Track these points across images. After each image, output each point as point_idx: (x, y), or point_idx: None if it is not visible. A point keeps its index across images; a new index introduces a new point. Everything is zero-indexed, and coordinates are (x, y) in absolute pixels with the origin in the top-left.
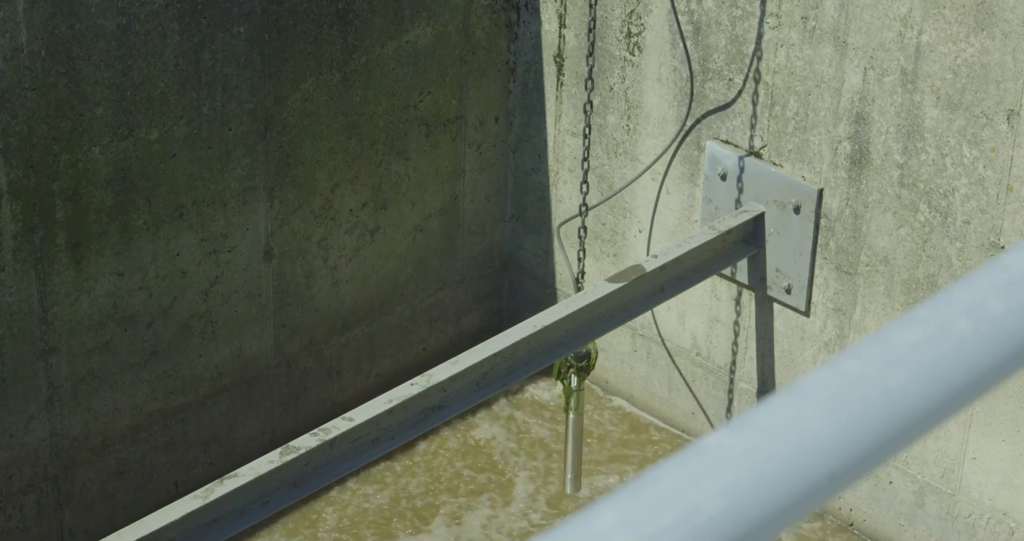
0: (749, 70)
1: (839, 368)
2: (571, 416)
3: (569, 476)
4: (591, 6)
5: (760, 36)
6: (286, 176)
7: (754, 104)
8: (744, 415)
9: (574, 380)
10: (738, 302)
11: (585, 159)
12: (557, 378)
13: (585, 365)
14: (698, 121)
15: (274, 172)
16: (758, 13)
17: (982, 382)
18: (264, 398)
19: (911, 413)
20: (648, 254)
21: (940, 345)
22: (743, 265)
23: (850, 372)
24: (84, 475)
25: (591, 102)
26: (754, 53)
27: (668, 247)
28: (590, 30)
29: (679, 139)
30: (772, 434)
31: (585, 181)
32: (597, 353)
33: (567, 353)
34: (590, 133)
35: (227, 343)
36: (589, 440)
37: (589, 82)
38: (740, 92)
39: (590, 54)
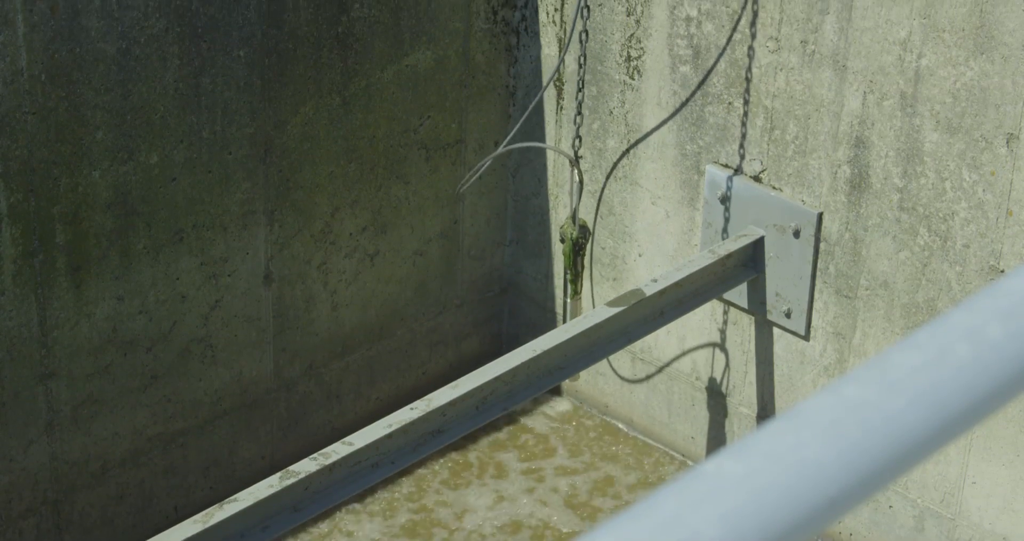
0: (749, 94)
1: (839, 393)
2: (571, 303)
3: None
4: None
5: (760, 60)
6: (286, 200)
7: (754, 128)
8: (743, 440)
9: (579, 263)
10: (738, 326)
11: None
12: (570, 265)
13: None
14: (698, 145)
15: (274, 196)
16: (758, 37)
17: (982, 407)
18: (264, 422)
19: (911, 439)
20: (648, 278)
21: (939, 370)
22: (743, 289)
23: (850, 397)
24: (84, 499)
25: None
26: (754, 77)
27: (668, 271)
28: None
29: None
30: (772, 460)
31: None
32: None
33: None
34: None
35: (227, 367)
36: (597, 460)
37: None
38: (740, 116)
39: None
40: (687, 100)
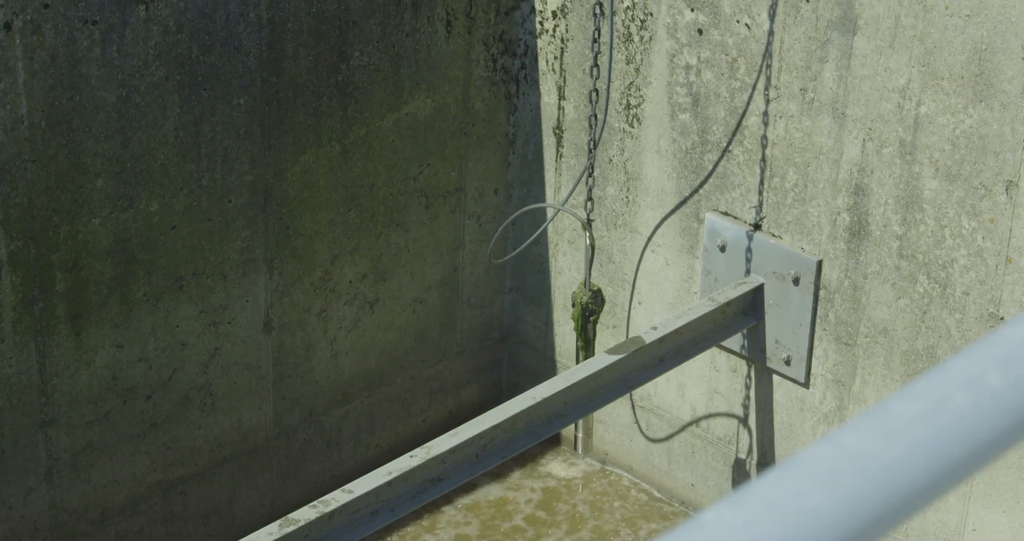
0: (748, 142)
1: (838, 442)
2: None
3: (580, 435)
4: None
5: (759, 108)
6: (286, 248)
7: (753, 176)
8: (743, 489)
9: (590, 330)
10: (738, 374)
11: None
12: (580, 330)
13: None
14: (697, 193)
15: (274, 244)
16: (757, 85)
17: (981, 456)
18: (263, 470)
19: (910, 487)
20: (648, 326)
21: (939, 419)
22: (742, 337)
23: (849, 446)
24: None
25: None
26: (753, 125)
27: (668, 319)
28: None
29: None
30: (771, 508)
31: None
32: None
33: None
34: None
35: (226, 415)
36: (597, 509)
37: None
38: (739, 164)
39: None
40: (686, 148)
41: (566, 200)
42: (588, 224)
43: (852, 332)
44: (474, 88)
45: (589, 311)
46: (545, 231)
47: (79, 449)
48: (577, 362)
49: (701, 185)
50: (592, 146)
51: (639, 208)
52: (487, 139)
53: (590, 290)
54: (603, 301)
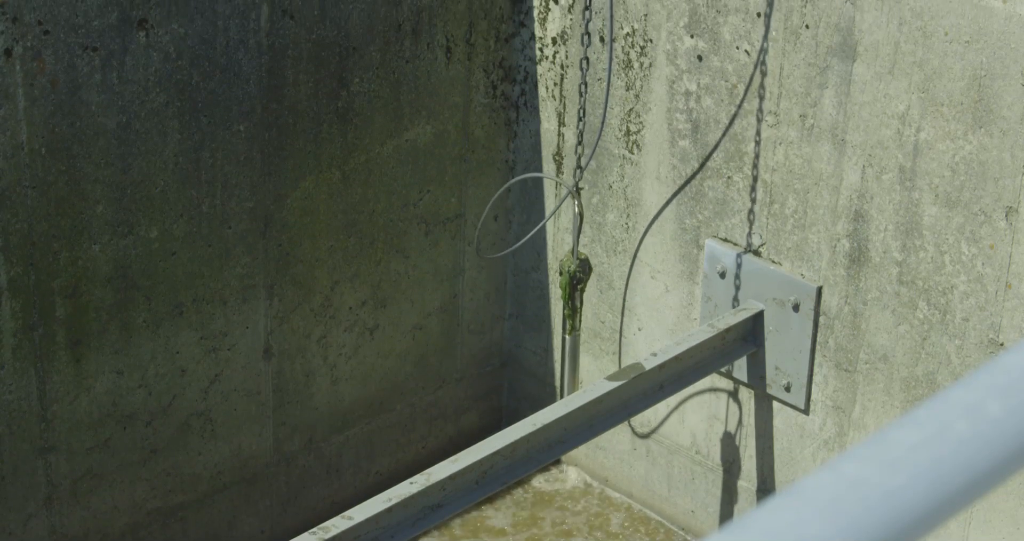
0: (748, 168)
1: (838, 471)
2: (569, 338)
3: (565, 376)
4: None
5: (759, 134)
6: (286, 274)
7: (753, 202)
8: (743, 518)
9: (577, 298)
10: (737, 400)
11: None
12: (567, 299)
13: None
14: (697, 219)
15: (274, 270)
16: (756, 111)
17: (981, 484)
18: (263, 496)
19: (910, 515)
20: (647, 352)
21: (939, 447)
22: (742, 363)
23: (849, 474)
24: None
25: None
26: (753, 151)
27: (667, 345)
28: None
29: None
30: (772, 537)
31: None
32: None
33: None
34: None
35: (226, 441)
36: (596, 534)
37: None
38: (739, 190)
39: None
40: (686, 174)
41: (555, 209)
42: (577, 191)
43: (852, 358)
44: (474, 114)
45: (576, 279)
46: (544, 257)
47: (79, 475)
48: (564, 330)
49: (701, 211)
50: (582, 114)
51: (639, 234)
52: (487, 165)
53: (578, 259)
54: (591, 269)
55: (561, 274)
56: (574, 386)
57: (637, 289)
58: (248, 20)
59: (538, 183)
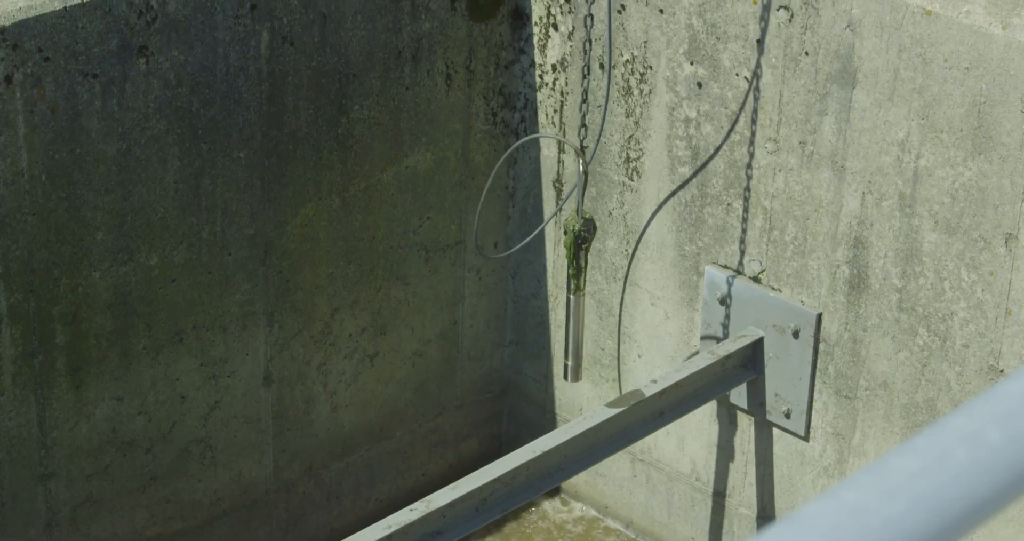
0: (747, 195)
1: (838, 498)
2: (573, 299)
3: (570, 364)
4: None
5: (758, 161)
6: (286, 301)
7: (753, 229)
8: None
9: (582, 258)
10: (737, 427)
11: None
12: (572, 258)
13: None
14: (696, 246)
15: (274, 297)
16: (756, 138)
17: (981, 512)
18: (263, 523)
19: None
20: (647, 379)
21: (939, 475)
22: (742, 390)
23: (849, 502)
24: None
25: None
26: (753, 178)
27: (667, 372)
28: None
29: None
30: None
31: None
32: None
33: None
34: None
35: (226, 468)
36: None
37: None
38: (739, 217)
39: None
40: (686, 201)
41: (554, 213)
42: (582, 150)
43: (852, 385)
44: (474, 141)
45: (581, 239)
46: (545, 284)
47: (79, 502)
48: (569, 291)
49: (701, 238)
50: (587, 71)
51: (639, 261)
52: (487, 192)
53: (582, 218)
54: (595, 229)
55: (566, 233)
56: (579, 350)
57: (637, 316)
58: (248, 47)
59: (538, 210)
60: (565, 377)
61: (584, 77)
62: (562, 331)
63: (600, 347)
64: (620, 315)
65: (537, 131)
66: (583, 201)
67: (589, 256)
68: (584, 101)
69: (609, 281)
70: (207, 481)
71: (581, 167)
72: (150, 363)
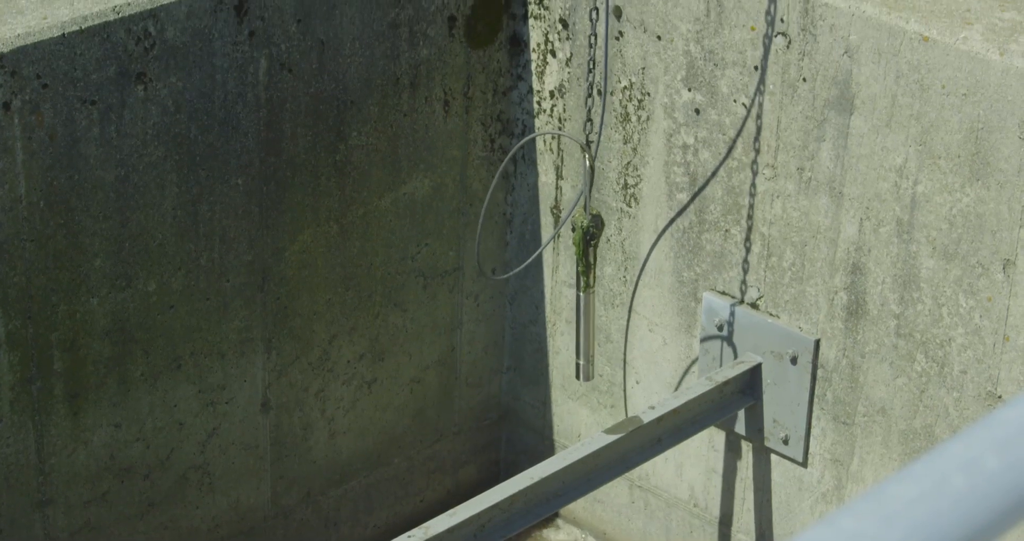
0: (745, 221)
1: (836, 525)
2: (583, 296)
3: (581, 363)
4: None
5: (756, 187)
6: (284, 328)
7: (750, 255)
8: None
9: (591, 255)
10: (736, 453)
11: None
12: (581, 255)
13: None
14: (695, 272)
15: (272, 324)
16: (754, 164)
17: (978, 538)
18: None
19: None
20: (645, 405)
21: (936, 502)
22: (740, 416)
23: (847, 529)
24: None
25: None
26: (750, 204)
27: (665, 398)
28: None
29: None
30: None
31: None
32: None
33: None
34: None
35: (224, 495)
36: None
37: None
38: (736, 243)
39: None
40: (684, 227)
41: (553, 235)
42: (587, 145)
43: (850, 411)
44: (472, 168)
45: (590, 235)
46: (543, 310)
47: (76, 529)
48: (578, 288)
49: (699, 264)
50: (591, 65)
51: (637, 288)
52: (485, 219)
53: (590, 214)
54: (603, 224)
55: (574, 230)
56: (590, 348)
57: (635, 342)
58: (246, 74)
59: (536, 237)
60: (577, 377)
61: (589, 71)
62: (560, 357)
63: (598, 373)
64: (618, 341)
65: (535, 157)
66: (590, 196)
67: (598, 252)
68: (588, 95)
69: (607, 307)
70: (205, 508)
71: (587, 162)
72: (148, 389)
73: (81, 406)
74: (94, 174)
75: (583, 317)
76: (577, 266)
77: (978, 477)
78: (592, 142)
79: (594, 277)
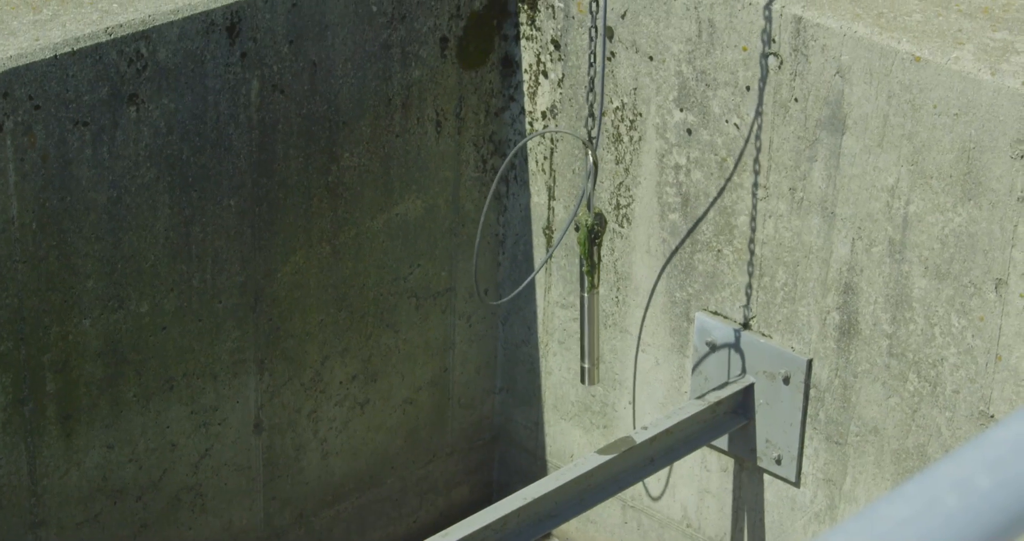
0: (737, 241)
1: None
2: (587, 297)
3: (586, 366)
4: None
5: (748, 207)
6: (276, 349)
7: (743, 275)
8: None
9: (596, 254)
10: (728, 473)
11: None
12: (586, 254)
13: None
14: (687, 292)
15: (264, 345)
16: (746, 184)
17: None
18: None
19: None
20: (638, 426)
21: (928, 521)
22: (733, 436)
23: None
24: None
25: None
26: (742, 224)
27: (658, 419)
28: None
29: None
30: None
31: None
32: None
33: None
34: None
35: (217, 516)
36: None
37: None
38: (729, 263)
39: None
40: (676, 247)
41: (548, 256)
42: (591, 142)
43: (843, 431)
44: (464, 189)
45: (595, 233)
46: (535, 331)
47: None
48: (583, 289)
49: (691, 284)
50: (591, 59)
51: (629, 308)
52: (482, 228)
53: (593, 213)
54: (606, 222)
55: (578, 230)
56: (595, 351)
57: (627, 362)
58: (238, 95)
59: (528, 257)
60: (582, 381)
61: (590, 65)
62: (553, 378)
63: (591, 394)
64: (611, 361)
65: (527, 178)
66: (593, 195)
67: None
68: (591, 90)
69: (600, 327)
70: (198, 529)
71: (591, 159)
72: (140, 411)
73: (74, 427)
74: (86, 195)
75: (588, 318)
76: (581, 266)
77: (970, 497)
78: (595, 138)
79: (599, 277)
